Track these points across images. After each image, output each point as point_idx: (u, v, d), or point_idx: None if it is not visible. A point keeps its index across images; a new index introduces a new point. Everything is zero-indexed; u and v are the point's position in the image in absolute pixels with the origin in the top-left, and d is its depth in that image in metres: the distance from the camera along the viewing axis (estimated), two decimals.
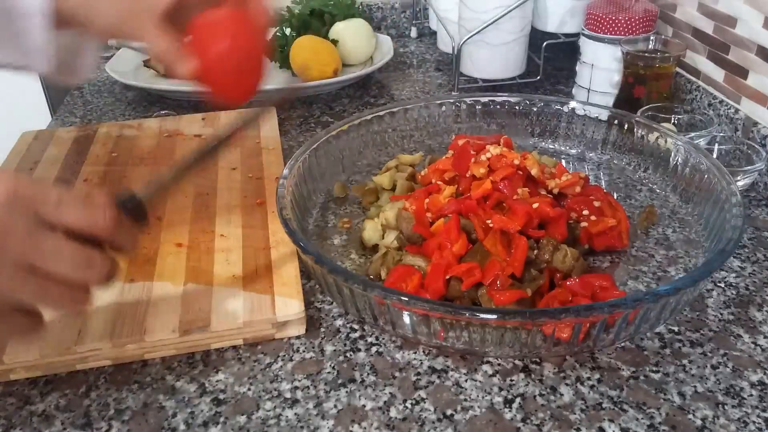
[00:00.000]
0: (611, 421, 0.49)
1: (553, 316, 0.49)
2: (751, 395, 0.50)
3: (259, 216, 0.68)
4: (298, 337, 0.57)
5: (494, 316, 0.48)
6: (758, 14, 0.77)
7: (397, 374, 0.53)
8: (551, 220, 0.61)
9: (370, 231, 0.66)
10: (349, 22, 1.09)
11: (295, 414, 0.50)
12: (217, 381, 0.53)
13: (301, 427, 0.49)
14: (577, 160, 0.81)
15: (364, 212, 0.72)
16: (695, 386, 0.51)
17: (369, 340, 0.56)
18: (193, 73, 0.58)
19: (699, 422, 0.48)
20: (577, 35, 0.97)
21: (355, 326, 0.58)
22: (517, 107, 0.82)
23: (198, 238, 0.65)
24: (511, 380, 0.52)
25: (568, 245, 0.60)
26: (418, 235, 0.61)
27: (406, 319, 0.52)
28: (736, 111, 0.82)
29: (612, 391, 0.51)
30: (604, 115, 0.79)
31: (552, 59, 1.06)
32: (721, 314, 0.58)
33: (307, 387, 0.52)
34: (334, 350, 0.55)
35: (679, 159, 0.71)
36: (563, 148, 0.82)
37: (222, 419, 0.49)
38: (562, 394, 0.51)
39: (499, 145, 0.70)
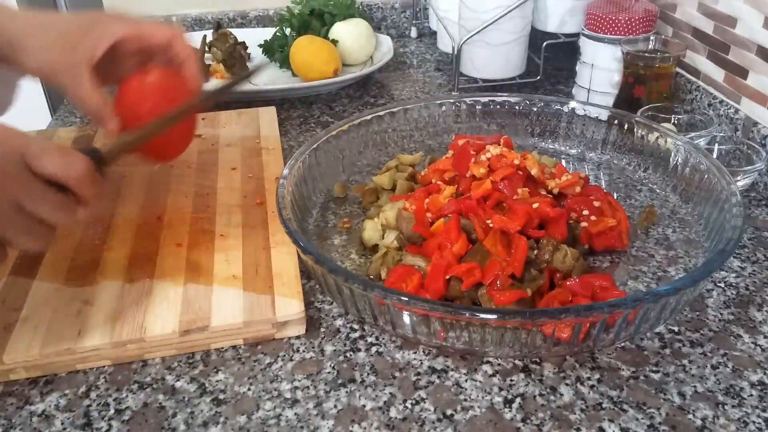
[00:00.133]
0: (611, 421, 0.49)
1: (553, 316, 0.49)
2: (751, 395, 0.50)
3: (259, 216, 0.68)
4: (298, 337, 0.57)
5: (494, 316, 0.48)
6: (758, 14, 0.77)
7: (397, 374, 0.53)
8: (551, 220, 0.61)
9: (370, 231, 0.66)
10: (349, 22, 1.09)
11: (295, 414, 0.50)
12: (217, 381, 0.53)
13: (301, 427, 0.49)
14: (577, 160, 0.81)
15: (364, 212, 0.72)
16: (695, 386, 0.51)
17: (369, 340, 0.56)
18: (119, 131, 0.60)
19: (699, 422, 0.48)
20: (577, 35, 0.97)
21: (355, 326, 0.58)
22: (517, 107, 0.82)
23: (198, 238, 0.65)
24: (511, 380, 0.52)
25: (568, 245, 0.60)
26: (418, 235, 0.61)
27: (406, 319, 0.52)
28: (736, 111, 0.82)
29: (612, 391, 0.51)
30: (604, 115, 0.79)
31: (552, 59, 1.06)
32: (721, 314, 0.58)
33: (307, 387, 0.52)
34: (334, 350, 0.55)
35: (679, 159, 0.71)
36: (563, 148, 0.82)
37: (222, 419, 0.49)
38: (562, 394, 0.51)
39: (499, 145, 0.70)
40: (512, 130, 0.82)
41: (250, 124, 0.88)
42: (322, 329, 0.57)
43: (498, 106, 0.82)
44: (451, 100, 0.83)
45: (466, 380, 0.52)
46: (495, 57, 1.00)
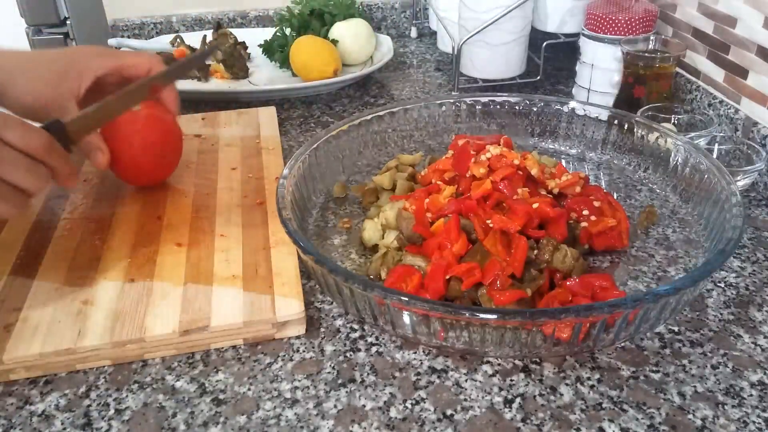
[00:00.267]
0: (611, 421, 0.49)
1: (553, 316, 0.49)
2: (751, 395, 0.50)
3: (259, 216, 0.68)
4: (298, 337, 0.57)
5: (494, 316, 0.48)
6: (758, 14, 0.77)
7: (397, 374, 0.53)
8: (551, 220, 0.61)
9: (370, 231, 0.66)
10: (349, 22, 1.09)
11: (295, 414, 0.50)
12: (217, 381, 0.53)
13: (301, 427, 0.49)
14: (577, 160, 0.81)
15: (364, 212, 0.72)
16: (695, 386, 0.51)
17: (369, 340, 0.56)
18: (108, 165, 0.64)
19: (699, 422, 0.48)
20: (577, 35, 0.97)
21: (355, 326, 0.58)
22: (517, 107, 0.82)
23: (198, 238, 0.65)
24: (511, 380, 0.52)
25: (568, 245, 0.60)
26: (418, 235, 0.61)
27: (406, 319, 0.52)
28: (736, 111, 0.82)
29: (612, 391, 0.51)
30: (604, 115, 0.79)
31: (552, 59, 1.06)
32: (721, 314, 0.58)
33: (307, 387, 0.52)
34: (334, 350, 0.55)
35: (679, 159, 0.71)
36: (563, 148, 0.82)
37: (222, 419, 0.49)
38: (562, 394, 0.51)
39: (499, 145, 0.70)
40: (512, 130, 0.82)
41: (250, 124, 0.88)
42: (322, 329, 0.57)
43: (498, 106, 0.82)
44: (451, 100, 0.83)
45: (466, 380, 0.52)
46: (495, 57, 1.00)
